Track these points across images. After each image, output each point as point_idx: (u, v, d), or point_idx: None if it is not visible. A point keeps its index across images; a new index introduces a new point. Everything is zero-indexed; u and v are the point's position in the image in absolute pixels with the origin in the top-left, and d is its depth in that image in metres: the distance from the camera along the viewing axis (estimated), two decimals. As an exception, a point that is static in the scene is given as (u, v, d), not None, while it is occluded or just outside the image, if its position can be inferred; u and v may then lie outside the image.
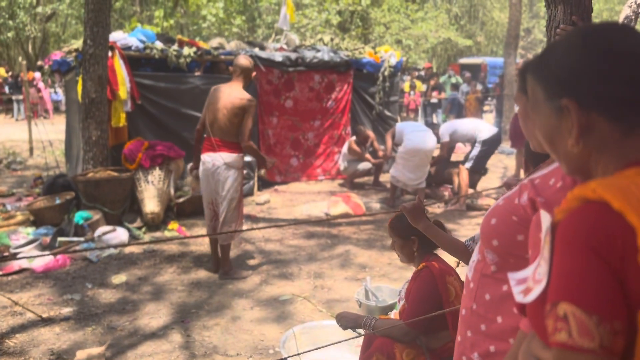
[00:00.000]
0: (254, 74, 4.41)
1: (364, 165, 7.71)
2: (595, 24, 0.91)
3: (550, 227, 0.85)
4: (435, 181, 7.33)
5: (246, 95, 4.24)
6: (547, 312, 0.77)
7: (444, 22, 23.90)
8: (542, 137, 0.94)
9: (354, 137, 7.72)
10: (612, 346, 0.71)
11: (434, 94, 14.00)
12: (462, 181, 6.68)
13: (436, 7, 25.26)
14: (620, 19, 4.71)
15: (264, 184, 7.69)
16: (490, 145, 6.67)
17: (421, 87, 13.99)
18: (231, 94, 4.22)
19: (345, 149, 7.74)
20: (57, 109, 17.88)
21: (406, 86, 13.86)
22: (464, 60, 22.00)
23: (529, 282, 0.93)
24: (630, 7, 4.54)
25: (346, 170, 7.75)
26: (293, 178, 8.01)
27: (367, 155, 7.63)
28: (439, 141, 6.94)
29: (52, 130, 10.31)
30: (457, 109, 13.87)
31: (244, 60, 4.36)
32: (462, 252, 1.99)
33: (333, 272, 4.63)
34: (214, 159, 4.29)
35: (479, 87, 14.06)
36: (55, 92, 17.34)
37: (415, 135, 6.72)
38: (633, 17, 4.54)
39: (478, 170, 6.78)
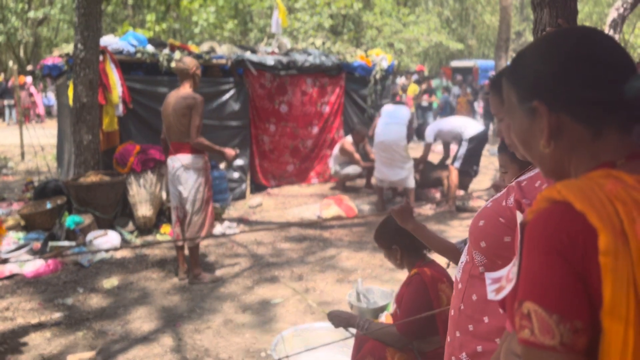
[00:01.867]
0: (193, 70, 4.30)
1: (354, 170, 7.70)
2: (563, 29, 0.94)
3: (520, 226, 0.87)
4: (424, 185, 7.34)
5: (191, 94, 4.25)
6: (515, 309, 0.79)
7: (435, 26, 24.01)
8: (517, 140, 0.96)
9: (348, 137, 7.70)
10: (572, 344, 0.73)
11: (425, 97, 14.07)
12: (451, 182, 6.69)
13: (427, 10, 25.37)
14: (608, 21, 4.78)
15: (257, 187, 7.70)
16: (478, 143, 6.65)
17: (416, 90, 14.05)
18: (177, 97, 4.27)
19: (336, 150, 7.73)
20: (49, 114, 17.80)
21: (410, 89, 13.91)
22: (455, 63, 22.09)
23: (503, 281, 0.95)
24: (617, 10, 4.61)
25: (337, 174, 7.74)
26: (287, 182, 8.01)
27: (357, 157, 7.61)
28: (420, 138, 6.93)
29: (44, 135, 10.25)
30: (448, 112, 13.96)
31: (178, 64, 4.37)
32: (452, 251, 2.01)
33: (324, 275, 4.64)
34: (173, 162, 4.35)
35: (468, 90, 14.15)
36: (46, 97, 17.26)
37: (382, 128, 6.69)
38: (619, 20, 4.61)
39: (467, 169, 6.74)
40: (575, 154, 0.87)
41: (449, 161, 7.29)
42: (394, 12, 22.73)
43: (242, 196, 7.31)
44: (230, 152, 4.48)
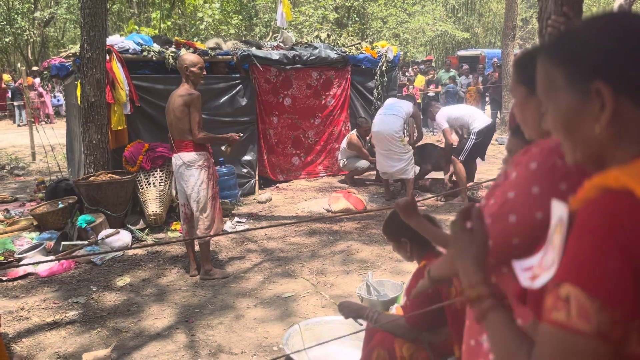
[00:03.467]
0: (186, 68, 4.29)
1: (363, 164, 7.70)
2: (623, 11, 0.91)
3: (566, 216, 0.86)
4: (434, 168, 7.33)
5: (187, 91, 4.26)
6: (549, 289, 0.78)
7: (441, 15, 23.88)
8: (556, 123, 0.92)
9: (354, 131, 7.72)
10: (608, 333, 0.72)
11: (431, 87, 14.00)
12: (459, 175, 6.65)
13: (433, 0, 25.22)
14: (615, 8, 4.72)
15: (265, 183, 7.73)
16: (485, 137, 6.63)
17: (422, 81, 13.98)
18: (176, 94, 4.30)
19: (344, 143, 7.74)
20: (57, 114, 17.92)
21: (417, 80, 13.84)
22: (462, 53, 21.95)
23: (536, 269, 0.94)
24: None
25: (345, 167, 7.76)
26: (295, 176, 8.03)
27: (365, 151, 7.60)
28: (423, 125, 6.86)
29: (53, 135, 10.33)
30: (453, 101, 13.87)
31: (178, 62, 4.38)
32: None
33: (335, 268, 4.66)
34: (176, 160, 4.39)
35: (480, 79, 14.05)
36: (55, 97, 17.36)
37: (378, 119, 6.71)
38: (626, 7, 4.56)
39: (472, 160, 6.74)
40: (625, 140, 0.85)
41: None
42: (399, 2, 22.61)
43: (251, 192, 7.34)
44: (234, 136, 4.51)
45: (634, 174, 0.78)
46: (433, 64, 18.62)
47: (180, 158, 4.37)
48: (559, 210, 0.91)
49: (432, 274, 1.81)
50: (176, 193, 6.03)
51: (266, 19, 15.25)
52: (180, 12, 13.73)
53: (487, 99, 14.55)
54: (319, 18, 14.77)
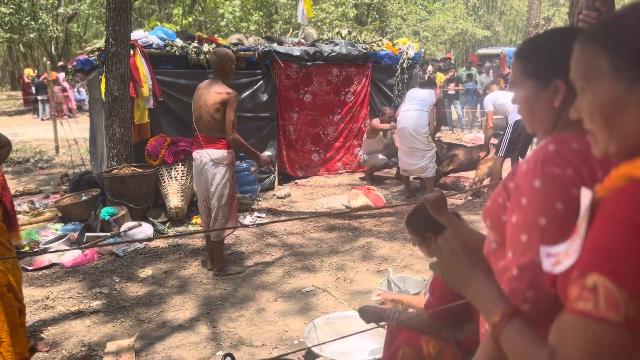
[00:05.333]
0: (232, 64, 4.32)
1: (380, 160, 7.66)
2: None
3: (589, 204, 0.85)
4: (459, 169, 7.26)
5: (225, 89, 4.24)
6: (573, 279, 0.78)
7: (461, 13, 23.68)
8: (594, 112, 0.90)
9: (376, 119, 7.62)
10: (636, 323, 0.72)
11: (451, 85, 13.90)
12: (494, 171, 6.48)
13: (454, -3, 25.02)
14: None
15: (285, 178, 7.76)
16: (523, 130, 6.43)
17: (442, 78, 13.90)
18: (210, 90, 4.26)
19: (365, 136, 7.70)
20: (80, 108, 18.17)
21: (438, 77, 13.74)
22: (482, 51, 21.75)
23: (561, 256, 0.93)
24: None
25: (365, 162, 7.73)
26: (313, 172, 8.05)
27: (382, 132, 7.50)
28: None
29: (77, 129, 10.48)
30: (473, 100, 13.76)
31: (212, 56, 4.36)
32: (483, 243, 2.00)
33: (355, 264, 4.66)
34: (201, 156, 4.35)
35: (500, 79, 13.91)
36: (79, 92, 17.61)
37: (402, 115, 6.61)
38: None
39: (513, 156, 6.52)
40: None
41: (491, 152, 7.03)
42: (419, 0, 22.49)
43: (270, 187, 7.37)
44: (265, 157, 4.50)
45: None
46: (453, 62, 18.49)
47: (208, 155, 4.33)
48: (585, 199, 0.89)
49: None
50: (197, 187, 6.09)
51: (286, 16, 15.28)
52: (200, 8, 13.84)
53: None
54: (339, 15, 14.74)
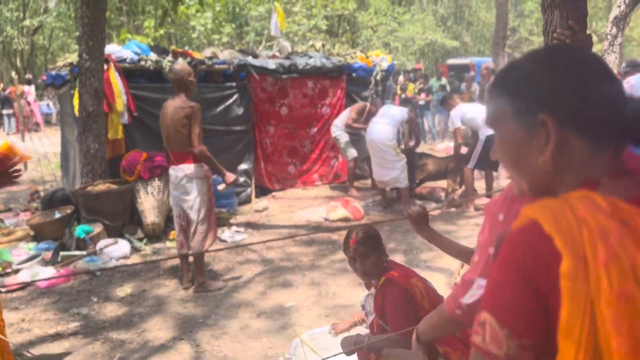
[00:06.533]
0: (186, 78, 4.30)
1: (351, 152, 7.55)
2: (564, 45, 0.94)
3: (500, 239, 0.91)
4: (430, 179, 7.36)
5: (188, 103, 4.25)
6: (477, 315, 0.85)
7: (430, 24, 24.11)
8: (505, 153, 0.94)
9: (355, 112, 7.62)
10: (517, 358, 0.79)
11: (422, 95, 14.10)
12: (467, 183, 6.63)
13: (422, 9, 25.46)
14: (610, 18, 4.83)
15: (261, 191, 7.73)
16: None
17: (413, 88, 14.09)
18: (174, 106, 4.26)
19: (347, 111, 7.64)
20: (47, 122, 17.79)
21: (409, 88, 13.90)
22: (451, 61, 22.14)
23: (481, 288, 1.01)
24: (619, 7, 4.65)
25: (336, 140, 7.63)
26: (290, 185, 8.04)
27: (359, 125, 7.44)
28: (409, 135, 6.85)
29: (45, 144, 10.28)
30: (444, 110, 13.97)
31: (169, 74, 4.37)
32: (467, 255, 2.04)
33: (336, 278, 4.67)
34: (176, 172, 4.36)
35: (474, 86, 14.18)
36: (48, 106, 17.24)
37: (371, 127, 6.71)
38: (621, 17, 4.66)
39: (483, 168, 6.68)
40: (570, 171, 0.87)
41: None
42: (389, 11, 22.83)
43: (247, 200, 7.33)
44: (230, 176, 4.49)
45: (546, 208, 0.80)
46: (423, 72, 18.77)
47: (181, 170, 4.35)
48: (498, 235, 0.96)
49: (421, 338, 1.71)
50: (174, 202, 6.03)
51: (258, 28, 15.29)
52: (171, 20, 13.74)
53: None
54: (311, 27, 14.85)
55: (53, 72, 7.01)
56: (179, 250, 4.62)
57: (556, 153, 0.86)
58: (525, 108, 0.88)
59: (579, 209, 0.79)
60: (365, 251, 2.44)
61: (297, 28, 14.27)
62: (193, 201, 4.39)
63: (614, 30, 4.42)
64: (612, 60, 4.47)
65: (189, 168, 4.34)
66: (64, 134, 7.77)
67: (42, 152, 10.91)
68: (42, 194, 7.65)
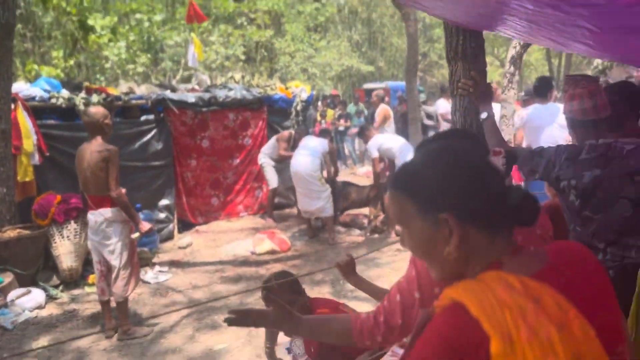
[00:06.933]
0: (101, 121, 4.23)
1: (273, 181, 7.68)
2: (456, 144, 1.03)
3: (425, 316, 0.98)
4: (351, 207, 7.55)
5: (104, 146, 4.19)
6: None
7: (346, 50, 24.83)
8: (414, 246, 1.05)
9: (284, 143, 7.74)
10: None
11: (342, 121, 14.47)
12: (387, 210, 6.88)
13: (338, 35, 26.20)
14: (507, 57, 5.25)
15: (184, 226, 7.58)
16: None
17: (332, 114, 14.42)
18: (91, 151, 4.19)
19: (273, 140, 7.73)
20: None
21: (328, 114, 14.19)
22: (367, 85, 22.89)
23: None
24: (515, 47, 5.08)
25: (262, 167, 7.73)
26: (214, 217, 7.95)
27: (287, 153, 7.52)
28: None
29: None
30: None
31: (84, 117, 4.30)
32: None
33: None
34: (95, 217, 4.27)
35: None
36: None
37: (295, 159, 6.89)
38: (517, 57, 5.08)
39: None
40: (474, 257, 0.99)
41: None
42: (305, 37, 23.28)
43: (170, 237, 7.16)
44: (145, 225, 4.40)
45: (470, 291, 0.92)
46: (341, 98, 19.28)
47: (100, 214, 4.25)
48: (423, 316, 1.04)
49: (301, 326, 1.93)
50: (92, 245, 5.78)
51: (174, 56, 15.05)
52: (80, 47, 13.23)
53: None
54: (229, 56, 14.87)
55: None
56: (100, 297, 4.45)
57: (461, 245, 0.98)
58: (428, 208, 1.00)
59: (498, 291, 0.89)
60: (290, 297, 2.51)
61: (214, 57, 14.23)
62: (114, 246, 4.28)
63: (512, 68, 4.81)
64: (512, 96, 4.86)
65: (108, 212, 4.25)
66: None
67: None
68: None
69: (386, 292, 2.20)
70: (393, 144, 7.00)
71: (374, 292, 2.21)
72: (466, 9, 2.33)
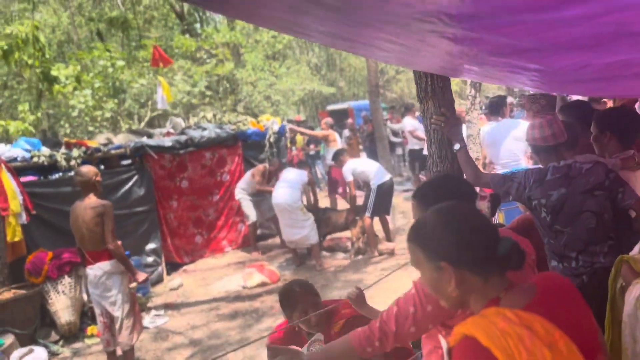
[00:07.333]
0: (94, 179, 4.43)
1: (252, 216, 7.88)
2: (452, 206, 1.36)
3: (447, 350, 1.30)
4: (333, 231, 7.80)
5: (99, 202, 4.39)
6: None
7: (306, 74, 25.33)
8: (428, 285, 1.37)
9: (262, 165, 8.00)
10: None
11: (312, 146, 14.79)
12: (368, 231, 7.15)
13: (297, 60, 26.70)
14: (468, 82, 5.65)
15: (172, 267, 7.69)
16: (387, 190, 7.13)
17: (301, 141, 14.73)
18: (85, 207, 4.37)
19: (248, 174, 7.95)
20: None
21: (298, 140, 14.47)
22: (331, 107, 23.38)
23: None
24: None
25: (241, 203, 7.94)
26: (200, 255, 8.10)
27: (263, 187, 7.77)
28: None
29: None
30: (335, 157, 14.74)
31: (76, 177, 4.50)
32: None
33: (261, 348, 4.84)
34: (94, 271, 4.44)
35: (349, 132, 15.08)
36: None
37: (276, 191, 7.17)
38: (477, 82, 5.48)
39: (379, 214, 7.27)
40: (473, 294, 1.30)
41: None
42: (265, 66, 23.66)
43: (159, 280, 7.27)
44: (142, 275, 4.59)
45: (478, 326, 1.20)
46: (307, 122, 19.64)
47: (99, 268, 4.41)
48: (444, 345, 1.39)
49: None
50: (87, 297, 5.89)
51: (137, 97, 15.08)
52: (44, 98, 13.23)
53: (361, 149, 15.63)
54: (196, 94, 15.08)
55: None
56: (106, 349, 4.59)
57: (459, 286, 1.27)
58: (432, 257, 1.31)
59: (499, 323, 1.18)
60: (314, 300, 2.64)
61: (181, 96, 14.42)
62: (115, 297, 4.44)
63: (473, 91, 5.20)
64: (475, 117, 5.23)
65: (107, 265, 4.43)
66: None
67: None
68: None
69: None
70: (366, 167, 7.37)
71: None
72: (423, 61, 2.65)
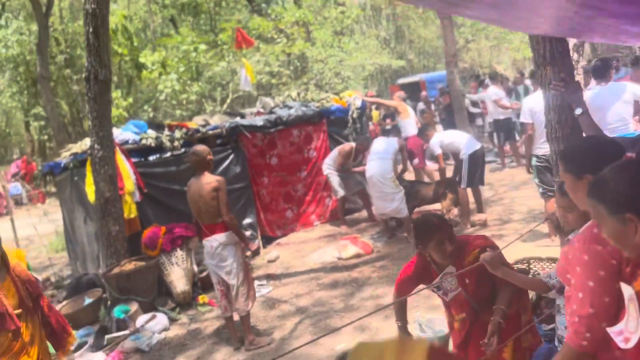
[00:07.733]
0: (209, 157, 4.74)
1: (339, 189, 8.05)
2: (630, 162, 1.50)
3: (634, 295, 1.44)
4: (421, 203, 7.84)
5: (213, 178, 4.69)
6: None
7: (375, 48, 25.12)
8: (609, 237, 1.50)
9: (352, 144, 8.17)
10: None
11: (388, 121, 14.78)
12: (463, 202, 7.12)
13: (364, 35, 26.51)
14: (570, 46, 5.49)
15: (266, 240, 8.06)
16: (477, 160, 7.02)
17: (377, 116, 14.76)
18: (201, 183, 4.67)
19: (335, 152, 8.14)
20: (17, 203, 17.55)
21: (374, 116, 14.57)
22: (402, 81, 23.12)
23: (625, 333, 1.49)
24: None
25: (328, 179, 8.17)
26: (291, 229, 8.42)
27: (349, 165, 7.96)
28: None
29: (26, 226, 10.23)
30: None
31: (192, 156, 4.78)
32: (540, 287, 2.49)
33: (372, 317, 5.01)
34: (211, 242, 4.74)
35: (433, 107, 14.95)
36: (16, 188, 17.08)
37: (368, 164, 7.25)
38: (579, 44, 5.33)
39: (474, 185, 7.20)
40: None
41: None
42: (334, 42, 23.65)
43: (256, 252, 7.65)
44: (253, 246, 4.91)
45: None
46: (378, 95, 19.58)
47: (215, 240, 4.72)
48: (627, 291, 1.49)
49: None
50: (197, 267, 6.33)
51: (222, 82, 15.53)
52: (135, 85, 14.01)
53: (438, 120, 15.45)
54: (274, 73, 15.41)
55: (51, 162, 7.24)
56: (224, 314, 4.94)
57: None
58: (614, 210, 1.45)
59: None
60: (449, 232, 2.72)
61: (260, 77, 14.80)
62: (230, 266, 4.74)
63: (575, 55, 5.06)
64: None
65: (222, 237, 4.72)
66: (67, 219, 7.92)
67: (24, 236, 10.87)
68: (53, 281, 7.76)
69: (532, 279, 2.55)
70: (454, 138, 7.34)
71: (522, 280, 2.50)
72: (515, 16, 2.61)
